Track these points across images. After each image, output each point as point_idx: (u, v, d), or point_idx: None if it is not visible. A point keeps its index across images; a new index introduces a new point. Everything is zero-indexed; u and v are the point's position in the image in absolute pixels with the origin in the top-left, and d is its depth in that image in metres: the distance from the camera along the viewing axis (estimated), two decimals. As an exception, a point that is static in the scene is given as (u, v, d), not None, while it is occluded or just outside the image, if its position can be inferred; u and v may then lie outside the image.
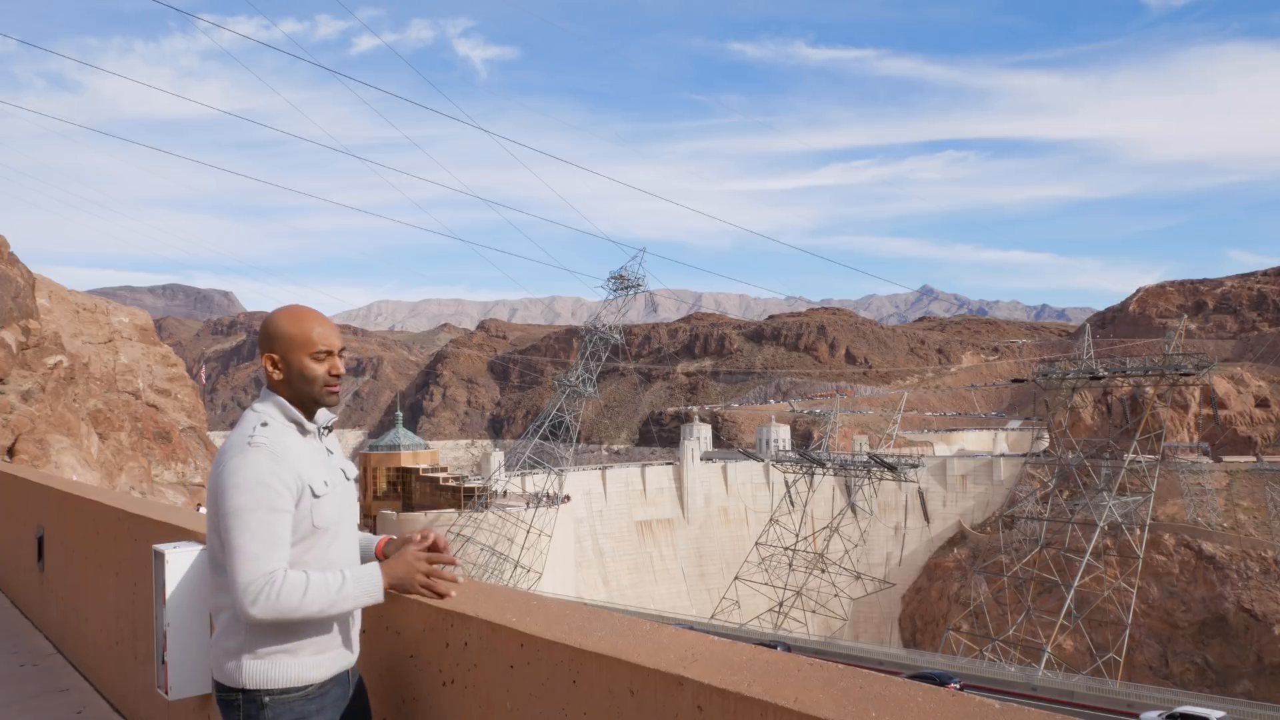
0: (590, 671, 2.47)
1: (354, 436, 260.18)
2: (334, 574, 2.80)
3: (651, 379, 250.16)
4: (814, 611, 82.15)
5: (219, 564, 2.82)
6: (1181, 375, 73.97)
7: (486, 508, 77.86)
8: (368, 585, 2.86)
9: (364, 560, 3.19)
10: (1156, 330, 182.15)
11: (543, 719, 2.62)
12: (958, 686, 45.07)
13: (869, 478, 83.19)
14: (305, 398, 2.94)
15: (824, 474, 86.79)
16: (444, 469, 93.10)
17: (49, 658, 7.48)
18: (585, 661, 2.48)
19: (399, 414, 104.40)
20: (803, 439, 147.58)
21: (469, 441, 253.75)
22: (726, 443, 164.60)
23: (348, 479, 3.11)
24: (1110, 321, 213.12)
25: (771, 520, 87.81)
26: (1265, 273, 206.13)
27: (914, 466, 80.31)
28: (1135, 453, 76.07)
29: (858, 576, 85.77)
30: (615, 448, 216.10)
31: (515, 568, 72.49)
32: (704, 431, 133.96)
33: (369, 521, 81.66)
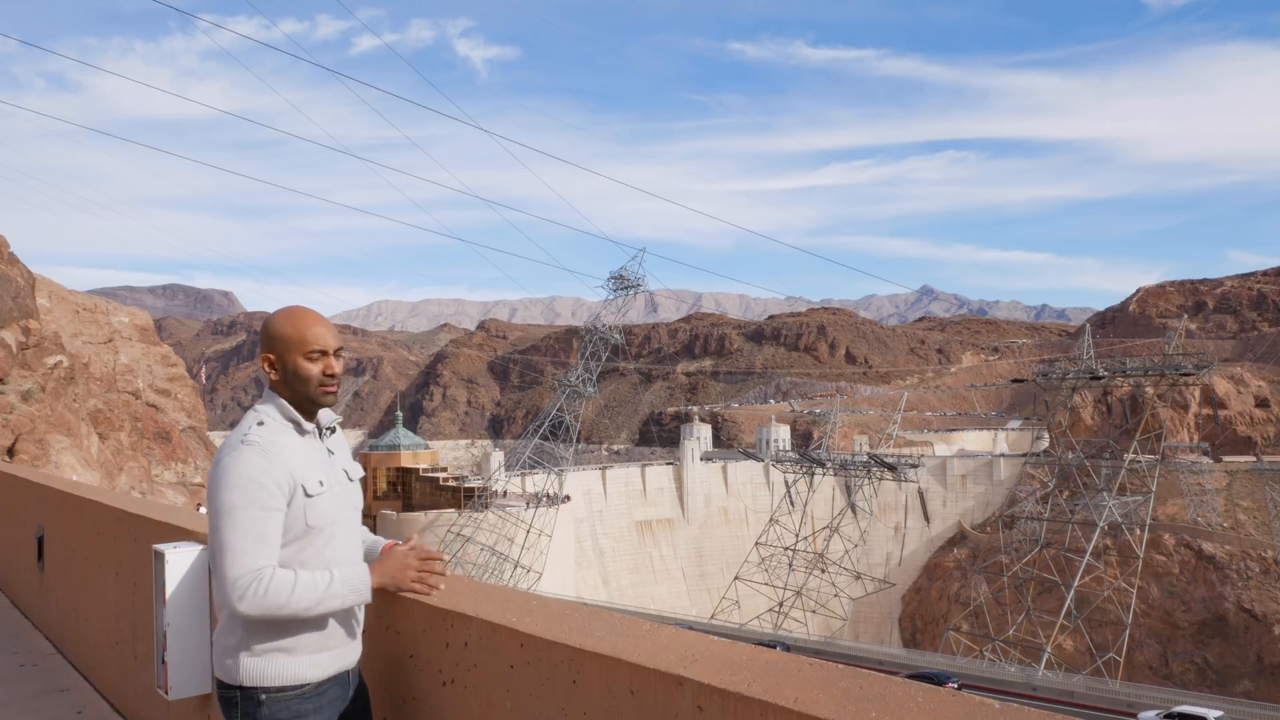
0: (590, 671, 2.47)
1: (354, 436, 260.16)
2: (323, 573, 2.83)
3: (651, 379, 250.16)
4: (814, 611, 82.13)
5: None
6: (1181, 375, 73.95)
7: (486, 508, 77.85)
8: (356, 584, 2.89)
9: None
10: (1156, 330, 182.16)
11: (543, 719, 2.62)
12: (955, 686, 45.07)
13: (869, 478, 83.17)
14: (302, 398, 2.98)
15: (824, 474, 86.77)
16: (444, 469, 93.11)
17: (49, 658, 7.48)
18: (585, 661, 2.48)
19: (399, 414, 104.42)
20: (803, 439, 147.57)
21: (469, 441, 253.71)
22: (726, 443, 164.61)
23: (350, 480, 3.13)
24: (1110, 321, 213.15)
25: (771, 520, 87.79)
26: (1265, 273, 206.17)
27: (914, 466, 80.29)
28: (1135, 453, 76.05)
29: (858, 576, 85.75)
30: (615, 448, 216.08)
31: (515, 568, 72.47)
32: (704, 431, 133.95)
33: (369, 521, 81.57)
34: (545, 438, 79.70)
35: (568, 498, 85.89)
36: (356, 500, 3.16)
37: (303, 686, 2.87)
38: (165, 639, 4.09)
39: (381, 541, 3.34)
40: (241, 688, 2.84)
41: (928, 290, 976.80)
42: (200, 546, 4.20)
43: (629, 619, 2.78)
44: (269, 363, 2.99)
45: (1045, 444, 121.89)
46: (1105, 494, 73.47)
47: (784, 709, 1.97)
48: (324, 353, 2.96)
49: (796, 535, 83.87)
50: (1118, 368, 79.89)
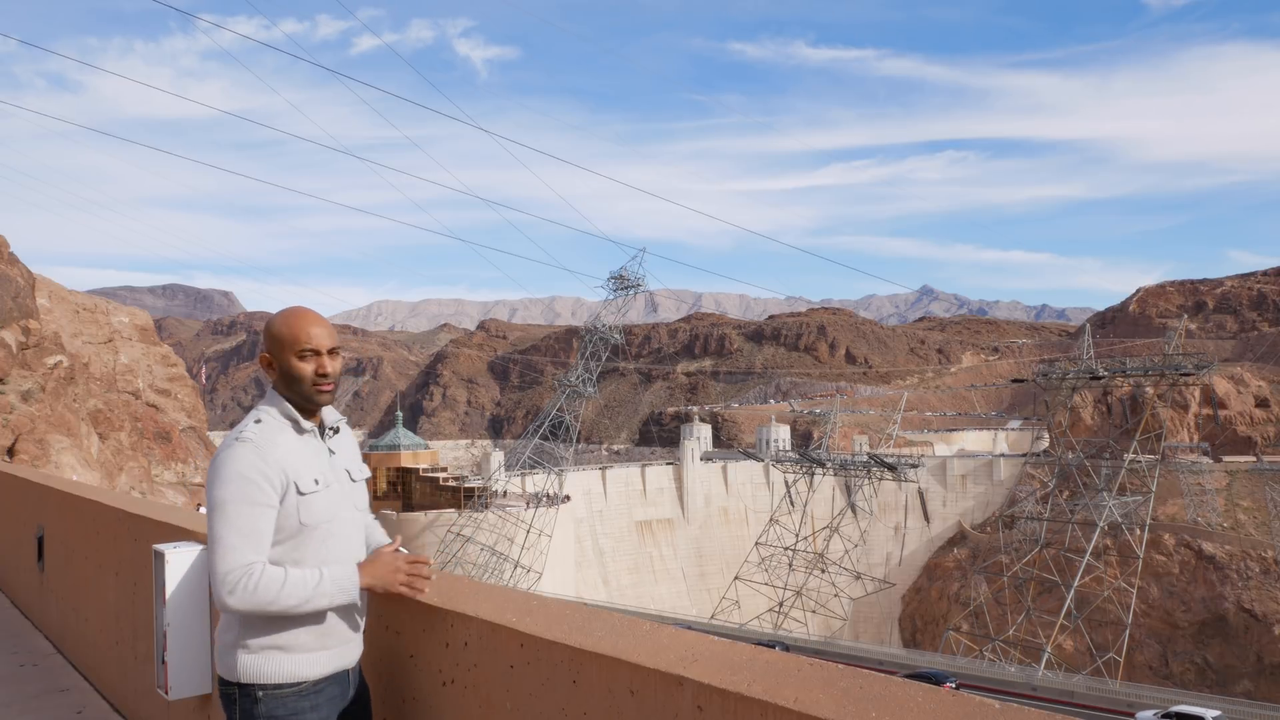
0: (590, 671, 2.47)
1: (354, 437, 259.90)
2: (313, 571, 2.87)
3: (651, 379, 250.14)
4: (814, 611, 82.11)
5: None
6: (1181, 375, 73.93)
7: (486, 508, 77.83)
8: (344, 584, 2.92)
9: None
10: (1156, 330, 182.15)
11: (543, 719, 2.63)
12: (953, 686, 45.06)
13: (869, 478, 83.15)
14: (298, 397, 3.03)
15: (824, 474, 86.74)
16: (444, 469, 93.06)
17: (49, 658, 7.48)
18: (585, 661, 2.49)
19: (399, 414, 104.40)
20: (803, 439, 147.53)
21: (469, 441, 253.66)
22: (726, 443, 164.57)
23: (353, 480, 3.16)
24: (1110, 321, 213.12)
25: (771, 520, 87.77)
26: (1265, 273, 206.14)
27: (914, 466, 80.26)
28: (1135, 453, 76.03)
29: (858, 576, 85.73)
30: (615, 448, 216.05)
31: (515, 568, 72.46)
32: (704, 431, 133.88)
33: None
34: (545, 438, 79.69)
35: (568, 498, 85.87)
36: (358, 500, 3.17)
37: (299, 684, 2.90)
38: (165, 639, 4.10)
39: (389, 543, 3.37)
40: (240, 684, 2.89)
41: (928, 290, 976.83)
42: (200, 547, 4.21)
43: (629, 619, 2.79)
44: (266, 362, 3.06)
45: (1045, 444, 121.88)
46: (1105, 494, 73.45)
47: (784, 709, 1.97)
48: (316, 352, 3.00)
49: (796, 535, 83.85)
50: (1118, 368, 79.86)
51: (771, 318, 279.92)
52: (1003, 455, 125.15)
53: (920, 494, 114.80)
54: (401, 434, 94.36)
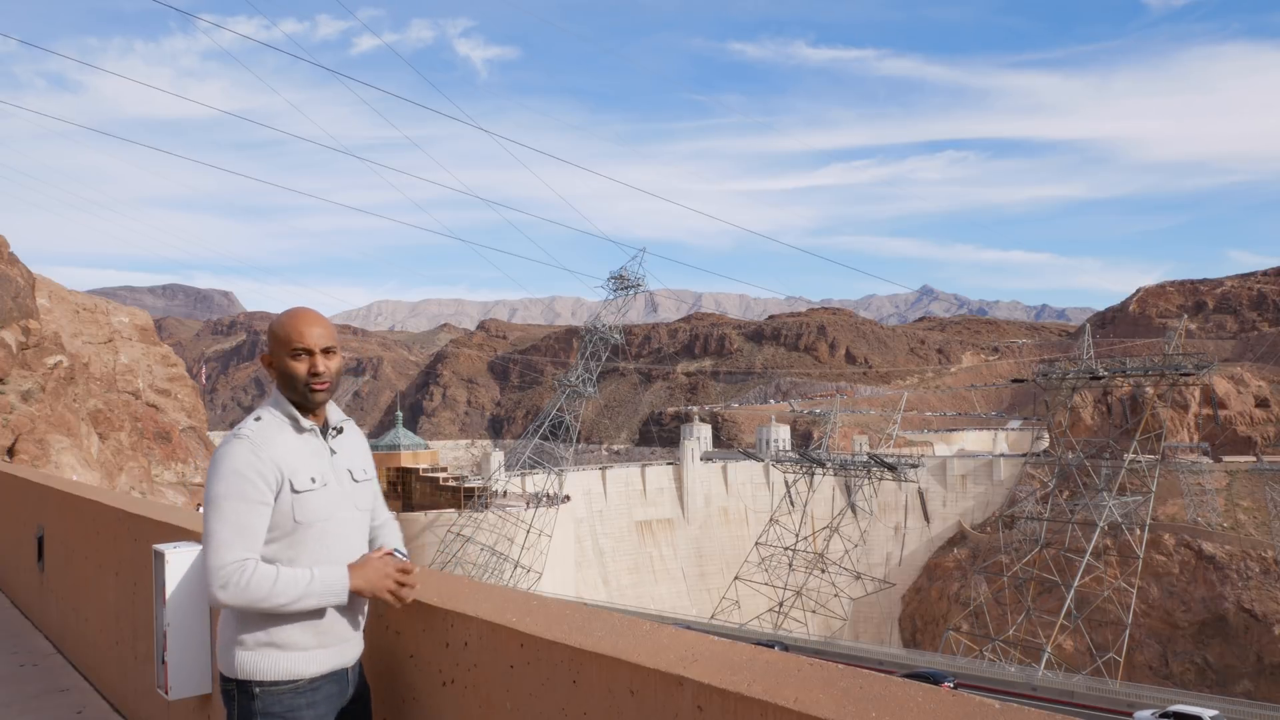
0: (590, 671, 2.47)
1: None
2: (304, 570, 2.89)
3: (651, 379, 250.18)
4: (814, 611, 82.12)
5: None
6: (1181, 375, 73.94)
7: (486, 508, 77.84)
8: (333, 585, 2.93)
9: None
10: (1156, 330, 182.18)
11: (543, 719, 2.63)
12: (952, 686, 45.06)
13: (869, 478, 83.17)
14: (295, 395, 3.05)
15: (824, 474, 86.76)
16: (444, 469, 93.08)
17: (49, 658, 7.48)
18: (585, 661, 2.49)
19: (399, 414, 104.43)
20: (803, 439, 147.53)
21: (469, 441, 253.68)
22: (726, 443, 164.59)
23: (355, 480, 3.16)
24: (1110, 321, 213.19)
25: (771, 520, 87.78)
26: (1265, 273, 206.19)
27: (914, 466, 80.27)
28: (1135, 453, 76.04)
29: (858, 576, 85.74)
30: (615, 448, 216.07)
31: (515, 568, 72.48)
32: (704, 431, 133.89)
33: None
34: (545, 438, 79.71)
35: (568, 498, 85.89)
36: (360, 500, 3.17)
37: (296, 681, 2.92)
38: (165, 639, 4.10)
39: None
40: (238, 681, 2.92)
41: (928, 290, 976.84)
42: (200, 546, 4.21)
43: (629, 619, 2.79)
44: (266, 362, 3.10)
45: (1045, 444, 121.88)
46: (1105, 494, 73.47)
47: (784, 709, 1.97)
48: (310, 352, 3.02)
49: (796, 535, 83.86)
50: (1118, 368, 79.87)
51: (771, 318, 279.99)
52: (1003, 455, 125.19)
53: (920, 494, 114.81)
54: (401, 434, 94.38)
